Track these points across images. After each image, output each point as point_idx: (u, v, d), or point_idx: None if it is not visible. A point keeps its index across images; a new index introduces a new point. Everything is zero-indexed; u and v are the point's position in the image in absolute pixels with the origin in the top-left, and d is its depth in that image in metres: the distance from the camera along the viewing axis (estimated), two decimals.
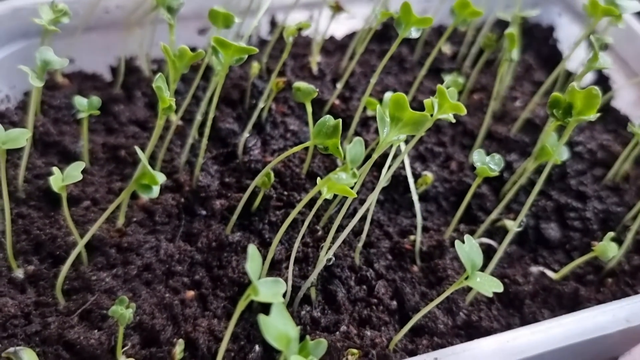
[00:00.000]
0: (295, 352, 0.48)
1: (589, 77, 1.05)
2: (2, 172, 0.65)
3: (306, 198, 0.64)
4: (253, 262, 0.47)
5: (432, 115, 0.61)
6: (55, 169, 0.64)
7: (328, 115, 0.63)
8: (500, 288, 0.59)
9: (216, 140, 0.85)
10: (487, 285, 0.58)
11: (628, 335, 0.83)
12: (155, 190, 0.58)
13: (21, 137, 0.65)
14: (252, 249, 0.47)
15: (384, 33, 1.06)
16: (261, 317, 0.45)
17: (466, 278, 0.59)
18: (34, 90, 0.75)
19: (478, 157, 0.70)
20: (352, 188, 0.61)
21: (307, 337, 0.50)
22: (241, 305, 0.50)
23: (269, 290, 0.49)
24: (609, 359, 0.76)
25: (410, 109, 0.61)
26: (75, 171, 0.65)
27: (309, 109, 0.75)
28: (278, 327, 0.45)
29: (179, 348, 0.66)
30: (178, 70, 0.70)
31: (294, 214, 0.64)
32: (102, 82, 0.95)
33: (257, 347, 0.66)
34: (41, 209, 0.77)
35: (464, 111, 0.58)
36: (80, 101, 0.76)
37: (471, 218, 0.83)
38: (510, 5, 1.03)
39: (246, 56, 0.70)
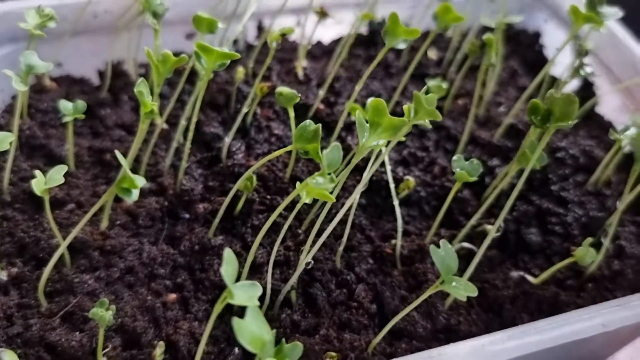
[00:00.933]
0: (270, 355, 0.49)
1: (574, 83, 1.05)
2: None
3: (285, 202, 0.64)
4: (229, 265, 0.48)
5: (411, 120, 0.62)
6: (37, 172, 0.65)
7: (309, 120, 0.64)
8: (474, 292, 0.59)
9: (201, 144, 0.86)
10: (463, 289, 0.59)
11: (610, 340, 0.84)
12: (135, 193, 0.59)
13: (4, 140, 0.66)
14: (228, 253, 0.48)
15: (371, 39, 1.07)
16: (235, 321, 0.45)
17: (442, 282, 0.60)
18: (19, 94, 0.75)
19: (457, 162, 0.71)
20: (331, 192, 0.62)
21: (283, 340, 0.51)
22: (217, 308, 0.50)
23: (245, 293, 0.49)
24: None
25: (390, 115, 0.62)
26: (57, 174, 0.66)
27: (292, 113, 0.76)
28: (252, 330, 0.46)
29: (159, 350, 0.67)
30: (162, 74, 0.70)
31: (273, 217, 0.64)
32: (90, 86, 0.96)
33: (236, 350, 0.67)
34: (26, 212, 0.78)
35: (439, 117, 0.59)
36: (65, 105, 0.77)
37: (452, 222, 0.83)
38: (496, 11, 1.04)
39: (229, 61, 0.70)
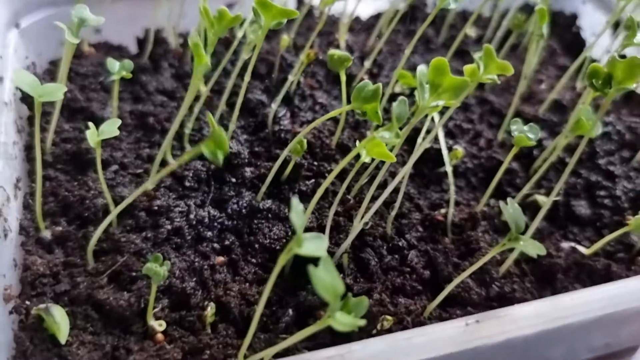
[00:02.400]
0: (339, 308, 0.47)
1: None
2: (37, 127, 0.64)
3: (342, 163, 0.63)
4: (297, 214, 0.46)
5: (473, 80, 0.61)
6: (90, 124, 0.64)
7: (367, 80, 0.63)
8: (543, 251, 0.58)
9: (245, 111, 0.85)
10: (531, 247, 0.58)
11: None
12: (221, 158, 0.57)
13: (57, 91, 0.64)
14: (295, 201, 0.46)
15: (410, 14, 1.07)
16: (311, 269, 0.44)
17: (509, 240, 0.58)
18: (65, 48, 0.74)
19: (516, 126, 0.70)
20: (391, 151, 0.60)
21: (350, 294, 0.49)
22: (283, 259, 0.48)
23: (313, 244, 0.48)
24: (631, 347, 0.76)
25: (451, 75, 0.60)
26: (111, 127, 0.64)
27: (343, 77, 0.75)
28: (327, 280, 0.44)
29: (210, 311, 0.65)
30: (217, 32, 0.69)
31: (327, 182, 0.63)
32: (128, 53, 0.95)
33: (290, 311, 0.65)
34: (68, 172, 0.76)
35: (511, 70, 0.58)
36: (112, 64, 0.75)
37: (501, 193, 0.82)
38: None
39: (285, 21, 0.69)
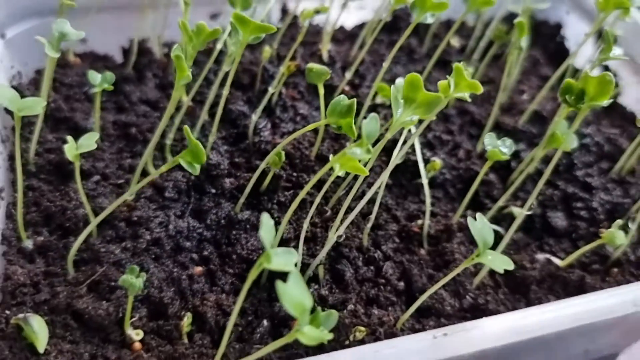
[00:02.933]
0: (307, 322, 0.48)
1: (595, 73, 1.05)
2: (17, 140, 0.65)
3: (318, 175, 0.64)
4: (266, 230, 0.47)
5: (446, 96, 0.62)
6: (69, 138, 0.65)
7: (342, 95, 0.64)
8: (511, 266, 0.59)
9: (226, 122, 0.86)
10: (498, 262, 0.59)
11: (629, 329, 0.84)
12: (198, 168, 0.59)
13: (36, 105, 0.65)
14: (266, 217, 0.47)
15: (393, 24, 1.07)
16: (279, 284, 0.45)
17: (478, 255, 0.59)
18: (48, 62, 0.75)
19: (489, 140, 0.71)
20: (364, 166, 0.61)
21: (319, 308, 0.50)
22: (253, 273, 0.49)
23: (282, 258, 0.49)
24: (610, 355, 0.77)
25: (425, 91, 0.61)
26: (89, 140, 0.65)
27: (321, 90, 0.76)
28: (295, 295, 0.45)
29: (187, 321, 0.66)
30: (195, 46, 0.70)
31: (303, 193, 0.64)
32: (113, 63, 0.96)
33: (265, 322, 0.67)
34: (51, 182, 0.77)
35: (480, 89, 0.59)
36: (93, 76, 0.76)
37: (478, 204, 0.83)
38: (517, 1, 1.04)
39: (263, 36, 0.70)
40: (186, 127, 0.60)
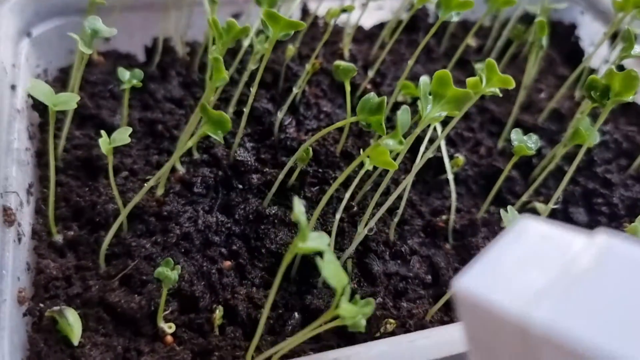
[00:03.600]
0: (346, 300, 0.49)
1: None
2: (51, 134, 0.66)
3: (348, 170, 0.65)
4: (300, 211, 0.47)
5: (477, 92, 0.63)
6: (103, 132, 0.65)
7: (372, 93, 0.65)
8: None
9: (251, 120, 0.87)
10: None
11: None
12: (220, 135, 0.60)
13: (71, 100, 0.66)
14: (297, 200, 0.48)
15: (412, 24, 1.09)
16: (318, 260, 0.46)
17: None
18: (77, 58, 0.76)
19: (516, 135, 0.72)
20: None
21: (357, 296, 0.51)
22: (288, 257, 0.50)
23: (315, 240, 0.49)
24: None
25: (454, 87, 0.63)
26: (122, 135, 0.66)
27: (348, 87, 0.77)
28: (333, 269, 0.47)
29: (218, 314, 0.67)
30: (225, 43, 0.71)
31: (333, 188, 0.65)
32: (136, 62, 0.96)
33: (296, 314, 0.67)
34: (79, 178, 0.78)
35: (513, 84, 0.60)
36: (122, 73, 0.77)
37: (501, 200, 0.84)
38: (534, 2, 1.06)
39: (292, 33, 0.71)
40: (203, 103, 0.62)
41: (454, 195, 0.78)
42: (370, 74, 0.92)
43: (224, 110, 0.86)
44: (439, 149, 0.84)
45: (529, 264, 0.32)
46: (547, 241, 0.34)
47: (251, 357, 0.62)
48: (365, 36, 1.06)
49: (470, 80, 0.64)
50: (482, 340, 0.35)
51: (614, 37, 1.03)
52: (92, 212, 0.74)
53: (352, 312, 0.47)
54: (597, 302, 0.29)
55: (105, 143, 0.65)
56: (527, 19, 1.07)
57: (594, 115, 0.73)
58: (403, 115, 0.61)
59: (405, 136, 0.64)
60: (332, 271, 0.46)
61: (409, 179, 0.70)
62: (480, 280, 0.33)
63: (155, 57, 0.94)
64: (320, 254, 0.47)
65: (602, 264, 0.31)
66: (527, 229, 0.35)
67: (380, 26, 1.08)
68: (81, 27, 0.72)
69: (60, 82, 0.90)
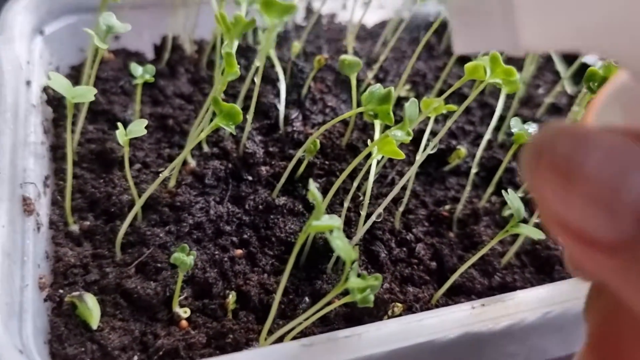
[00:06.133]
0: (355, 275, 0.52)
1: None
2: (69, 125, 0.69)
3: (356, 160, 0.68)
4: (315, 191, 0.50)
5: (481, 81, 0.66)
6: (119, 124, 0.68)
7: (378, 84, 0.68)
8: (542, 235, 0.63)
9: (259, 114, 0.89)
10: (532, 232, 0.63)
11: None
12: (232, 127, 0.63)
13: (88, 93, 0.69)
14: (311, 181, 0.51)
15: (413, 22, 1.11)
16: (328, 235, 0.49)
17: (512, 226, 0.63)
18: (89, 54, 0.79)
19: (515, 123, 0.74)
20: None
21: (365, 272, 0.54)
22: (302, 237, 0.53)
23: (327, 219, 0.52)
24: None
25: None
26: (138, 126, 0.69)
27: (354, 81, 0.79)
28: (343, 242, 0.49)
29: (232, 299, 0.69)
30: (232, 37, 0.74)
31: (341, 179, 0.68)
32: (145, 59, 0.99)
33: (306, 299, 0.70)
34: (94, 171, 0.80)
35: (515, 75, 0.63)
36: (135, 68, 0.80)
37: (501, 191, 0.86)
38: None
39: (288, 22, 0.74)
40: (215, 96, 0.64)
41: (467, 189, 0.81)
42: (374, 70, 0.95)
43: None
44: (440, 141, 0.87)
45: None
46: None
47: (264, 339, 0.65)
48: (368, 34, 1.09)
49: (469, 65, 0.67)
50: None
51: None
52: (107, 203, 0.76)
53: (360, 284, 0.50)
54: None
55: (122, 134, 0.67)
56: None
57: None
58: (411, 108, 0.64)
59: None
60: (342, 245, 0.49)
61: (413, 169, 0.72)
62: None
63: (164, 55, 0.96)
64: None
65: None
66: None
67: (382, 24, 1.10)
68: (95, 24, 0.75)
69: (72, 79, 0.91)
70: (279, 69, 0.89)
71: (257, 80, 0.78)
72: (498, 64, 0.64)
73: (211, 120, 0.84)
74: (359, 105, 0.70)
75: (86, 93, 0.68)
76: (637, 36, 0.29)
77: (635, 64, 0.30)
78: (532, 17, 0.30)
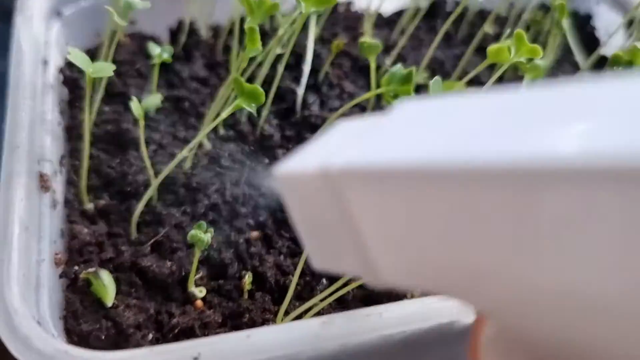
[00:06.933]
0: None
1: None
2: (87, 100, 0.68)
3: None
4: None
5: (506, 61, 0.65)
6: (134, 97, 0.67)
7: (399, 64, 0.67)
8: None
9: (276, 98, 0.88)
10: None
11: None
12: (254, 108, 0.62)
13: (108, 68, 0.68)
14: None
15: (430, 11, 1.11)
16: None
17: None
18: (108, 33, 0.78)
19: None
20: None
21: None
22: None
23: None
24: None
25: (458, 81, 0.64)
26: (154, 100, 0.68)
27: (373, 64, 0.79)
28: None
29: (248, 279, 0.68)
30: (256, 18, 0.73)
31: None
32: (161, 43, 0.98)
33: (324, 280, 0.69)
34: (109, 151, 0.80)
35: (540, 53, 0.62)
36: (153, 48, 0.79)
37: None
38: None
39: (323, 10, 0.73)
40: (237, 77, 0.64)
41: None
42: (391, 57, 0.94)
43: None
44: None
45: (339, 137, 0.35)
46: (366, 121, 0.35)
47: (281, 319, 0.64)
48: (385, 23, 1.08)
49: (492, 48, 0.66)
50: (304, 215, 0.36)
51: (629, 26, 1.05)
52: (122, 183, 0.75)
53: None
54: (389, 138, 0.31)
55: (137, 108, 0.67)
56: (543, 9, 1.09)
57: None
58: (435, 86, 0.63)
59: None
60: None
61: None
62: (295, 159, 0.36)
63: (180, 39, 0.96)
64: None
65: (393, 113, 0.33)
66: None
67: (399, 13, 1.10)
68: (113, 1, 0.74)
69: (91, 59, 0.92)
70: (309, 49, 0.88)
71: (281, 66, 0.77)
72: (523, 42, 0.63)
73: (226, 102, 0.84)
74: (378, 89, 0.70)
75: (106, 68, 0.68)
76: (476, 279, 0.27)
77: (486, 304, 0.29)
78: (385, 257, 0.31)
